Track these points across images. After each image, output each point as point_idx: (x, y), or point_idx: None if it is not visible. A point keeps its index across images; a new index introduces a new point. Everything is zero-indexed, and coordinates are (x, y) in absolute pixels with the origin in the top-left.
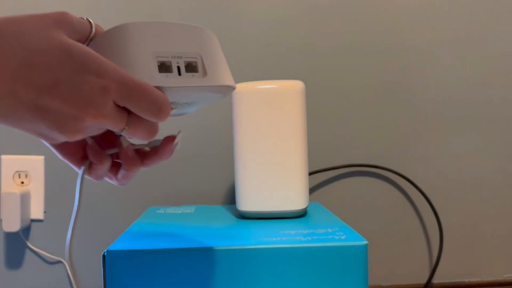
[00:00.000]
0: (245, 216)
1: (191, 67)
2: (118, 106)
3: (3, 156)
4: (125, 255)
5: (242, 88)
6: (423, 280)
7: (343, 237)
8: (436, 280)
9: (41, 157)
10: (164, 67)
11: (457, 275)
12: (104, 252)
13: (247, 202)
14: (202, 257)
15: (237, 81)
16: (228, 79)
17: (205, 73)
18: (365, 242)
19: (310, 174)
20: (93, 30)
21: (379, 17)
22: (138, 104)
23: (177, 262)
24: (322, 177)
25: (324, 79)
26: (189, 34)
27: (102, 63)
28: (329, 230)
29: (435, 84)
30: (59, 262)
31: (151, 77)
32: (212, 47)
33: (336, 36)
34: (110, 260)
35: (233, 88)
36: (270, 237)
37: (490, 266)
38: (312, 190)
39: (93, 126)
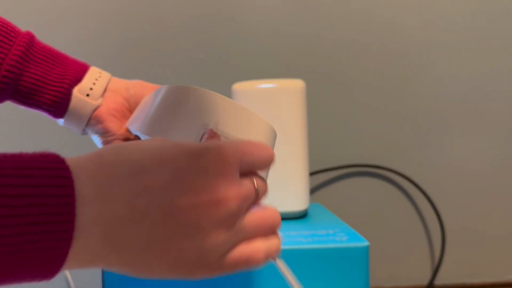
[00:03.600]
0: None
1: None
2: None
3: None
4: None
5: (242, 87)
6: (425, 281)
7: (344, 238)
8: (438, 281)
9: None
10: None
11: (459, 276)
12: None
13: None
14: None
15: (237, 80)
16: None
17: None
18: (366, 243)
19: (310, 174)
20: None
21: (381, 17)
22: (257, 161)
23: None
24: (323, 177)
25: (325, 78)
26: (246, 120)
27: (209, 142)
28: (330, 231)
29: (437, 85)
30: None
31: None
32: (262, 141)
33: (337, 34)
34: None
35: None
36: None
37: (492, 267)
38: (312, 190)
39: (238, 209)
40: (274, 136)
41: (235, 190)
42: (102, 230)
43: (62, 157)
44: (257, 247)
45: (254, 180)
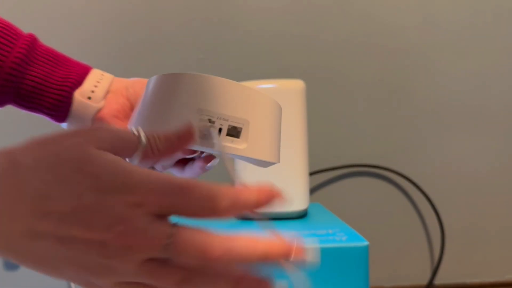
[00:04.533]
0: (245, 217)
1: (234, 131)
2: (158, 218)
3: None
4: None
5: None
6: (425, 281)
7: (344, 238)
8: (437, 281)
9: None
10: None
11: (459, 275)
12: None
13: None
14: None
15: (237, 80)
16: (268, 154)
17: (245, 141)
18: (366, 243)
19: (310, 174)
20: (143, 141)
21: (381, 17)
22: (185, 207)
23: None
24: (323, 177)
25: (325, 78)
26: (245, 98)
27: (131, 175)
28: (330, 231)
29: (437, 85)
30: None
31: None
32: (266, 117)
33: (337, 35)
34: None
35: (271, 163)
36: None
37: (491, 266)
38: (312, 190)
39: (128, 255)
40: (279, 111)
41: (132, 235)
42: (2, 240)
43: None
44: None
45: (171, 229)
